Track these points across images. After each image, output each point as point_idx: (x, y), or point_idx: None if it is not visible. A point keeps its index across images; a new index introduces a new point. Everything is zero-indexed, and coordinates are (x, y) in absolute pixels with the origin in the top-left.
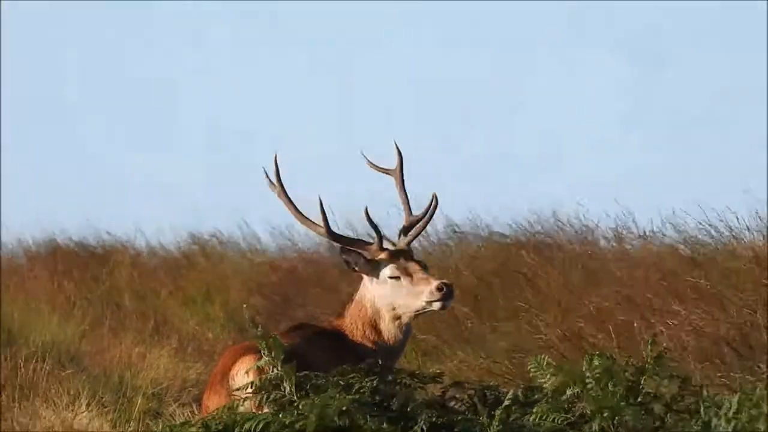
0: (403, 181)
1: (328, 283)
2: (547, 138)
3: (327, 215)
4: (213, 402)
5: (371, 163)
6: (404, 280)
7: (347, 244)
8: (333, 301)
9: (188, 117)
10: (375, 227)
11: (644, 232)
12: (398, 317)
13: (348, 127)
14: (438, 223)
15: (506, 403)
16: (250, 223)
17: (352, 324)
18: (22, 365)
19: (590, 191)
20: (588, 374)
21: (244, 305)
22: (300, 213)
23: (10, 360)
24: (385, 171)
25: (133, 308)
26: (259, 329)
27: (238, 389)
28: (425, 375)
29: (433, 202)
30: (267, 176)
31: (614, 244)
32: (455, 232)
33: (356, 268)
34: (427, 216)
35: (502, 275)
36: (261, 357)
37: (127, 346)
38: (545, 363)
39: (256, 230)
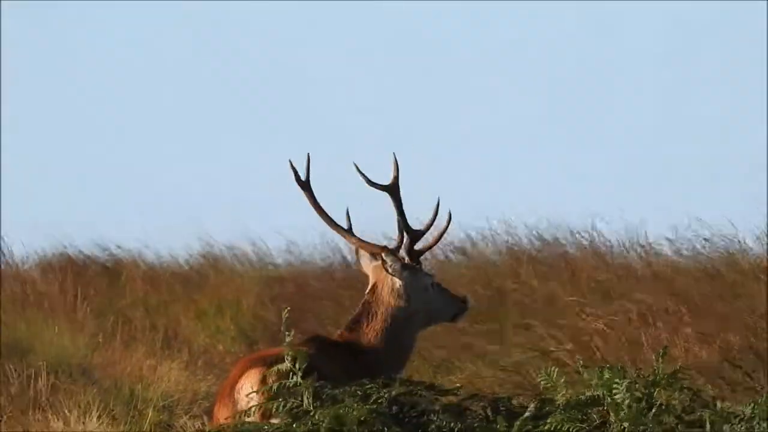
0: (399, 198)
1: (339, 297)
2: (557, 150)
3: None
4: (222, 414)
5: (367, 179)
6: (443, 289)
7: (368, 247)
8: (344, 314)
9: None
10: (409, 229)
11: (650, 245)
12: (428, 325)
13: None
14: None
15: (528, 413)
16: (261, 237)
17: (371, 333)
18: (33, 378)
19: (600, 204)
20: (618, 380)
21: (285, 309)
22: (326, 213)
23: (22, 372)
24: (382, 188)
25: (144, 321)
26: (291, 334)
27: (248, 402)
28: (443, 387)
29: (448, 219)
30: (296, 174)
31: (624, 257)
32: (457, 248)
33: (391, 271)
34: (439, 234)
35: (510, 288)
36: (268, 368)
37: (138, 358)
38: (555, 375)
39: (267, 244)
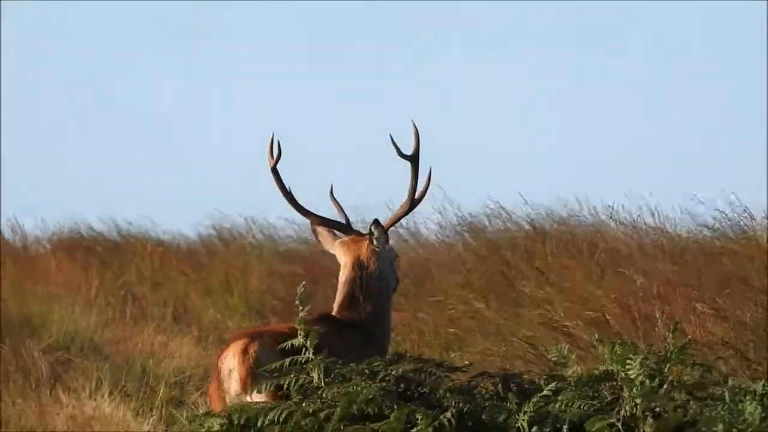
0: (418, 167)
1: None
2: (565, 127)
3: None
4: (212, 390)
5: (398, 150)
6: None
7: (325, 222)
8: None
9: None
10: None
11: (660, 220)
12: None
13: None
14: (457, 211)
15: (546, 392)
16: (270, 213)
17: (369, 308)
18: (44, 354)
19: (607, 179)
20: (632, 356)
21: (302, 284)
22: (291, 195)
23: (34, 349)
24: (405, 157)
25: (154, 298)
26: (305, 310)
27: (229, 375)
28: (452, 365)
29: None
30: (271, 150)
31: (632, 232)
32: (472, 226)
33: (378, 245)
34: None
35: (522, 264)
36: (251, 342)
37: (149, 335)
38: (566, 351)
39: (274, 221)
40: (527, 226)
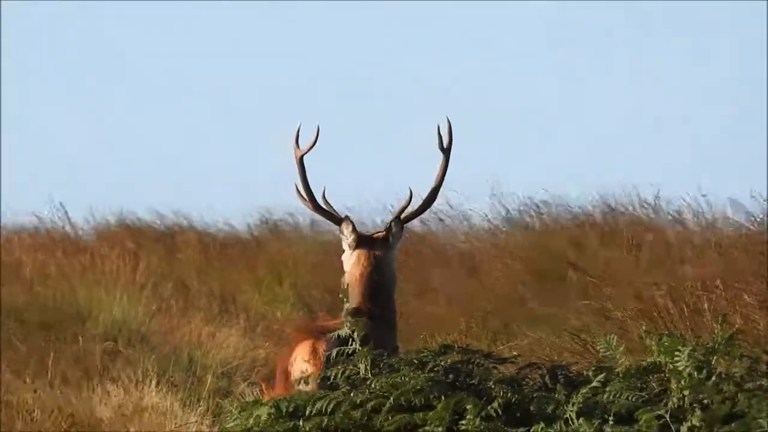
0: (448, 161)
1: (398, 264)
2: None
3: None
4: (278, 389)
5: (440, 141)
6: None
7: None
8: (402, 281)
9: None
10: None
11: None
12: None
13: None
14: (506, 202)
15: (595, 384)
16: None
17: (392, 304)
18: (92, 344)
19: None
20: (680, 348)
21: (344, 276)
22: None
23: (81, 339)
24: (442, 150)
25: (202, 288)
26: (358, 302)
27: (301, 374)
28: (500, 356)
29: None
30: (296, 141)
31: (680, 224)
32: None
33: (393, 240)
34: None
35: (571, 254)
36: (318, 342)
37: (196, 325)
38: (615, 342)
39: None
40: (576, 217)
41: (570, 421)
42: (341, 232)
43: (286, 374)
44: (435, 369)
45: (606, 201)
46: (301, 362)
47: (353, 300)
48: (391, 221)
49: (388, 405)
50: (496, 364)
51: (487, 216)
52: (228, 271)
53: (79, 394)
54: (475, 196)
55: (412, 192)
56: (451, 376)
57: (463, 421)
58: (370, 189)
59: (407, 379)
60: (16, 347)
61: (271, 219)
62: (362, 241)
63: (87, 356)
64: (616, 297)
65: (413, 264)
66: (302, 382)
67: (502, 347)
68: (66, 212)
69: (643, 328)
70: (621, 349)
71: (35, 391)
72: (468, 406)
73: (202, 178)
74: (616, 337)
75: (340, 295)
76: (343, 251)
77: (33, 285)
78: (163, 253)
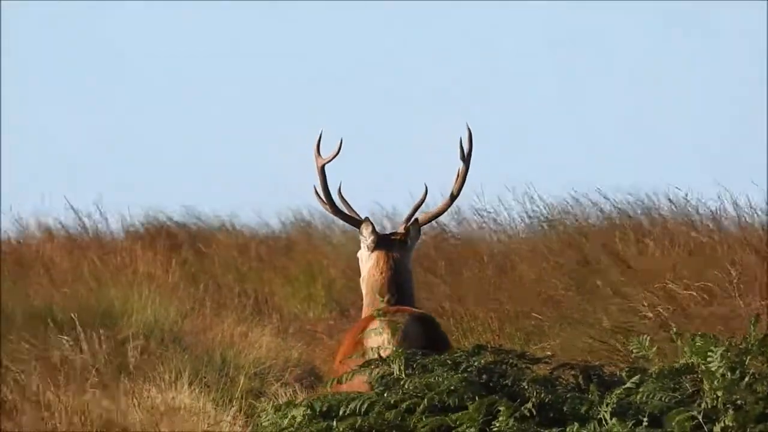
0: (468, 166)
1: (430, 263)
2: (645, 116)
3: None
4: (342, 369)
5: (465, 139)
6: None
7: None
8: (435, 280)
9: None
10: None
11: (746, 212)
12: None
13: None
14: (538, 201)
15: (629, 385)
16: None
17: (411, 299)
18: (125, 344)
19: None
20: (712, 348)
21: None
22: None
23: (114, 339)
24: (464, 155)
25: (235, 288)
26: (384, 300)
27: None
28: (533, 356)
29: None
30: (318, 149)
31: (719, 224)
32: (547, 219)
33: (411, 243)
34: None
35: (604, 254)
36: (398, 318)
37: (229, 325)
38: (647, 343)
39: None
40: (609, 217)
41: (603, 422)
42: (360, 233)
43: (356, 343)
44: (468, 369)
45: (638, 201)
46: (376, 336)
47: (372, 301)
48: (408, 223)
49: (422, 406)
50: (529, 364)
51: (519, 216)
52: (261, 270)
53: (111, 394)
54: (507, 196)
55: (427, 189)
56: (484, 376)
57: (496, 422)
58: (388, 190)
59: (441, 379)
60: (48, 348)
61: (304, 218)
62: (381, 242)
63: (120, 357)
64: (648, 297)
65: (446, 265)
66: (378, 350)
67: (535, 348)
68: (99, 213)
69: (674, 329)
70: (654, 349)
71: (65, 393)
72: (501, 408)
73: (236, 178)
74: (648, 338)
75: (376, 294)
76: (361, 252)
77: (66, 286)
78: (196, 254)
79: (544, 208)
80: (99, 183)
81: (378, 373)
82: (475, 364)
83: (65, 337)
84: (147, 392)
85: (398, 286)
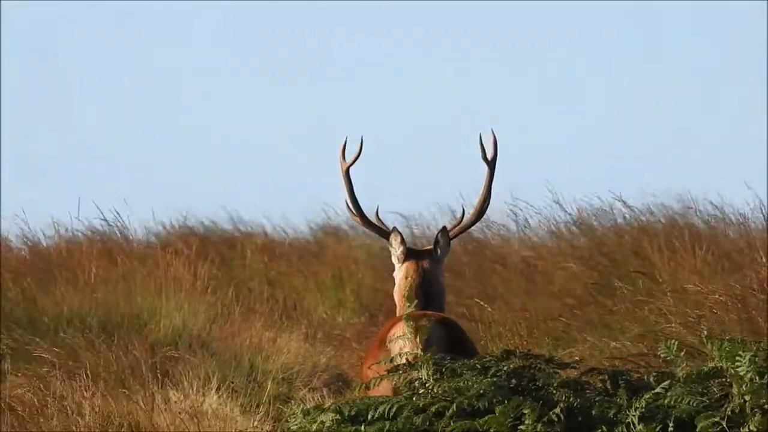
0: (494, 172)
1: (460, 268)
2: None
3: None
4: (369, 373)
5: (483, 151)
6: None
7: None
8: (465, 285)
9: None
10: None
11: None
12: None
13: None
14: (565, 207)
15: (659, 390)
16: (381, 208)
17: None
18: (152, 349)
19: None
20: (740, 353)
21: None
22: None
23: (142, 344)
24: (486, 161)
25: (263, 293)
26: (412, 306)
27: (399, 349)
28: (562, 361)
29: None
30: (343, 154)
31: (745, 228)
32: (580, 222)
33: (442, 252)
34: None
35: (632, 259)
36: (422, 321)
37: (258, 330)
38: (675, 348)
39: (384, 215)
40: (637, 221)
41: (631, 426)
42: (390, 244)
43: (380, 348)
44: (497, 374)
45: (667, 205)
46: (399, 340)
47: (401, 310)
48: (438, 234)
49: (450, 410)
50: (557, 369)
51: (547, 221)
52: (290, 275)
53: (139, 399)
54: (536, 201)
55: (465, 211)
56: (513, 380)
57: (522, 426)
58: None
59: (470, 383)
60: (77, 353)
61: (333, 223)
62: (410, 253)
63: (148, 362)
64: (677, 302)
65: (474, 270)
66: (404, 354)
67: (563, 353)
68: (127, 218)
69: (704, 333)
70: (681, 354)
71: (93, 396)
72: (526, 411)
73: (265, 182)
74: (676, 343)
75: (404, 298)
76: (394, 265)
77: (94, 291)
78: (225, 258)
79: (573, 213)
80: (128, 188)
81: (407, 378)
82: (504, 368)
83: (95, 341)
84: (175, 397)
85: (426, 295)
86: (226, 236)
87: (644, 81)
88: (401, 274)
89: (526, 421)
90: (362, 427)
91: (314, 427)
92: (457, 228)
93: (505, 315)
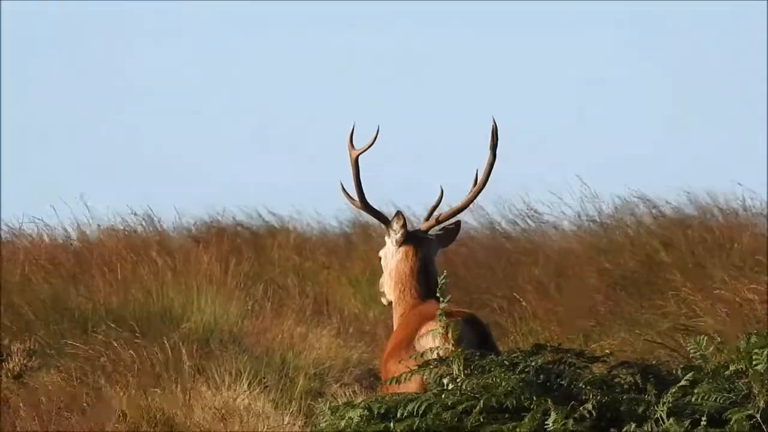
0: (494, 159)
1: (492, 264)
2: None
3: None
4: (399, 368)
5: (494, 133)
6: None
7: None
8: (497, 282)
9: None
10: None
11: None
12: None
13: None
14: (596, 202)
15: (684, 383)
16: (414, 204)
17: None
18: (184, 345)
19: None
20: (757, 350)
21: (443, 274)
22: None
23: (174, 340)
24: (491, 148)
25: (295, 289)
26: (447, 300)
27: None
28: (592, 355)
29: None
30: (351, 141)
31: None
32: (610, 217)
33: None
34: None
35: (663, 254)
36: (451, 322)
37: (289, 326)
38: (704, 343)
39: (416, 209)
40: (667, 216)
41: (660, 422)
42: (390, 227)
43: (408, 344)
44: (526, 370)
45: (696, 200)
46: (430, 337)
47: (405, 298)
48: (429, 220)
49: (478, 407)
50: (587, 363)
51: (578, 216)
52: (321, 271)
53: (171, 395)
54: (567, 196)
55: (443, 191)
56: (542, 376)
57: (549, 422)
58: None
59: (498, 380)
60: (110, 348)
61: (363, 218)
62: (410, 237)
63: (179, 357)
64: (708, 297)
65: (505, 265)
66: (431, 352)
67: (594, 346)
68: (158, 215)
69: (717, 339)
70: (711, 349)
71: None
72: (555, 414)
73: (295, 179)
74: (705, 338)
75: (437, 293)
76: (386, 248)
77: (126, 286)
78: (256, 254)
79: (604, 208)
80: (159, 183)
81: (438, 374)
82: (533, 364)
83: (126, 336)
84: (207, 393)
85: (426, 279)
86: (257, 232)
87: (679, 71)
88: (398, 257)
89: (553, 421)
90: (391, 424)
91: (342, 423)
92: (449, 211)
93: (536, 309)
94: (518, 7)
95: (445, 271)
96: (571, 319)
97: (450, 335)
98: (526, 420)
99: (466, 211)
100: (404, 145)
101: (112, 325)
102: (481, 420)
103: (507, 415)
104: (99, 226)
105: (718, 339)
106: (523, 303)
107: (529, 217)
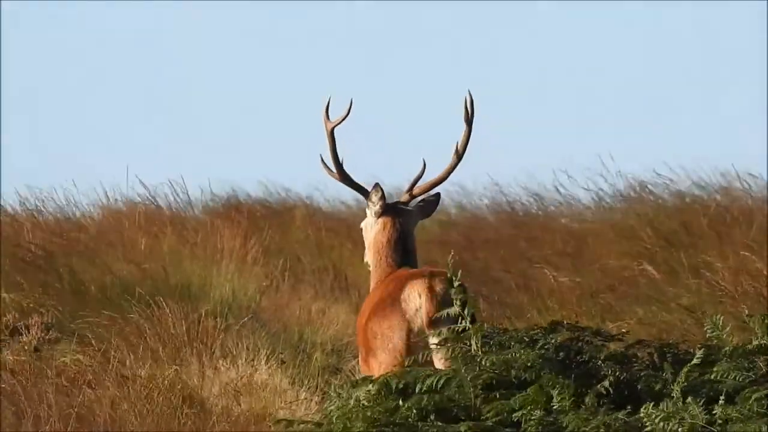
0: (471, 131)
1: (510, 242)
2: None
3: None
4: (382, 326)
5: (468, 108)
6: None
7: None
8: (514, 259)
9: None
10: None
11: None
12: None
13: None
14: (614, 181)
15: (695, 361)
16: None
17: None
18: (202, 321)
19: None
20: None
21: (451, 253)
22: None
23: (192, 315)
24: (468, 120)
25: (313, 264)
26: (458, 276)
27: (416, 310)
28: (609, 333)
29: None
30: (326, 113)
31: None
32: (628, 195)
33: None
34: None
35: (683, 233)
36: (432, 279)
37: (307, 302)
38: (721, 322)
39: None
40: (686, 195)
41: (678, 400)
42: (369, 198)
43: (402, 311)
44: (546, 347)
45: (715, 178)
46: (415, 298)
47: (381, 266)
48: (409, 192)
49: (496, 382)
50: (605, 341)
51: (597, 194)
52: (340, 247)
53: (189, 370)
54: (585, 174)
55: (425, 164)
56: (561, 354)
57: (554, 402)
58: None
59: (518, 355)
60: (128, 323)
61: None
62: (388, 208)
63: (197, 333)
64: (726, 276)
65: (524, 243)
66: (414, 318)
67: (611, 325)
68: (179, 189)
69: (745, 311)
70: (728, 328)
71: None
72: (555, 391)
73: (313, 154)
74: (722, 317)
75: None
76: (366, 220)
77: (145, 261)
78: (275, 230)
79: (621, 186)
80: (179, 158)
81: (458, 352)
82: (552, 341)
83: (144, 311)
84: (224, 368)
85: (404, 249)
86: (275, 207)
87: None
88: (377, 227)
89: (560, 398)
90: (400, 402)
91: (351, 402)
92: (427, 183)
93: (554, 286)
94: None
95: (452, 250)
96: (589, 298)
97: (431, 298)
98: (531, 390)
99: (483, 191)
100: (389, 121)
101: (130, 299)
102: (498, 396)
103: (525, 391)
104: (117, 200)
105: (746, 311)
106: (546, 275)
107: (544, 196)
